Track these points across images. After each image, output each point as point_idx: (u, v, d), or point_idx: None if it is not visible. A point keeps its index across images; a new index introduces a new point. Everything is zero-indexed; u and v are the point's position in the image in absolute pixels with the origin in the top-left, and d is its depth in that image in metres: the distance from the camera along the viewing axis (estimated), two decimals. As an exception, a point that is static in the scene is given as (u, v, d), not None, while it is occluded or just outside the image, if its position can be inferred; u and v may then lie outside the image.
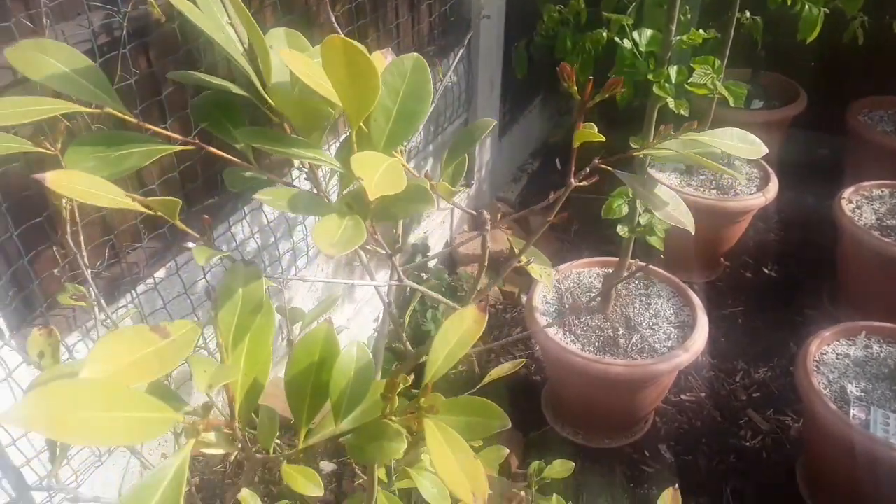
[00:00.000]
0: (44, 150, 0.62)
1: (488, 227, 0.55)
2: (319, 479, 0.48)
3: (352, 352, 0.47)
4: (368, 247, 0.56)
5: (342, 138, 0.49)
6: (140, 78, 1.36)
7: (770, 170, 2.49)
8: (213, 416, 0.38)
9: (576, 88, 0.50)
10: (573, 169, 0.57)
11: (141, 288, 1.53)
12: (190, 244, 0.48)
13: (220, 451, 0.41)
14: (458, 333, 0.44)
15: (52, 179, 0.38)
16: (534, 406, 2.15)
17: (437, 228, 2.65)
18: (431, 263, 2.52)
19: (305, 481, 0.48)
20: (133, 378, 0.34)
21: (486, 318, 0.45)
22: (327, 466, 1.72)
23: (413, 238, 2.55)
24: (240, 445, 0.43)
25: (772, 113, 2.84)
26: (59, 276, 1.34)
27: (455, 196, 0.50)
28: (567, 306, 1.98)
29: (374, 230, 0.49)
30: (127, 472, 1.62)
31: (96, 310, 0.78)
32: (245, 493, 1.17)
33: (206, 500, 1.66)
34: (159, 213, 0.44)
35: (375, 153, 0.43)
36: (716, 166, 0.60)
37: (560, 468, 1.24)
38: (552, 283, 0.68)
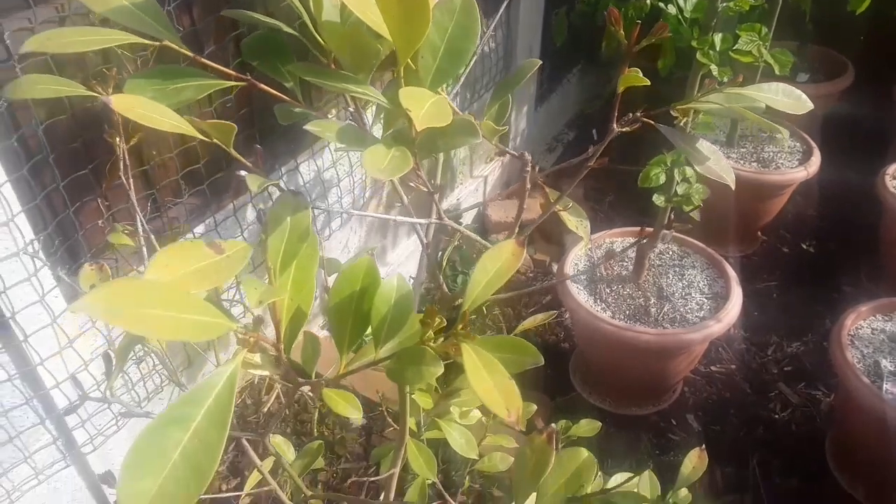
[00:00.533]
0: (96, 94, 0.64)
1: (528, 167, 0.55)
2: (359, 403, 0.50)
3: (392, 282, 0.48)
4: (412, 183, 0.57)
5: (387, 83, 0.50)
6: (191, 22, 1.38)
7: (813, 143, 2.44)
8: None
9: (623, 33, 0.50)
10: (616, 115, 0.57)
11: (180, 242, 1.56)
12: (242, 172, 0.50)
13: (265, 373, 0.43)
14: (496, 265, 0.45)
15: (117, 102, 0.39)
16: (562, 373, 2.16)
17: (469, 196, 2.65)
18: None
19: (346, 404, 0.50)
20: (192, 285, 0.36)
21: (524, 252, 0.46)
22: (357, 421, 1.75)
23: (445, 205, 2.56)
24: (283, 370, 0.45)
25: (817, 87, 2.78)
26: (103, 227, 1.37)
27: (497, 135, 0.51)
28: (599, 274, 1.98)
29: (417, 166, 0.50)
30: (165, 419, 1.67)
31: (145, 251, 0.81)
32: (278, 440, 1.21)
33: (239, 455, 1.71)
34: (215, 140, 0.45)
35: (422, 89, 0.43)
36: (760, 120, 0.60)
37: (587, 427, 1.25)
38: (587, 233, 0.68)
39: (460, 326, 0.43)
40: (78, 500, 1.54)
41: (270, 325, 0.45)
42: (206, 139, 0.46)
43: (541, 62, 0.64)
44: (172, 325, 0.33)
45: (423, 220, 0.59)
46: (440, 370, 0.43)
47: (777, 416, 2.05)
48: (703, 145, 0.62)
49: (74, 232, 1.32)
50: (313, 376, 0.49)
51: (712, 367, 2.18)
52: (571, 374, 2.15)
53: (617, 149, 0.74)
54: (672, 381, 2.03)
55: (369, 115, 0.58)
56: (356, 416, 0.51)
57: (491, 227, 2.61)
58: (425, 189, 0.55)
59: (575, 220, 0.67)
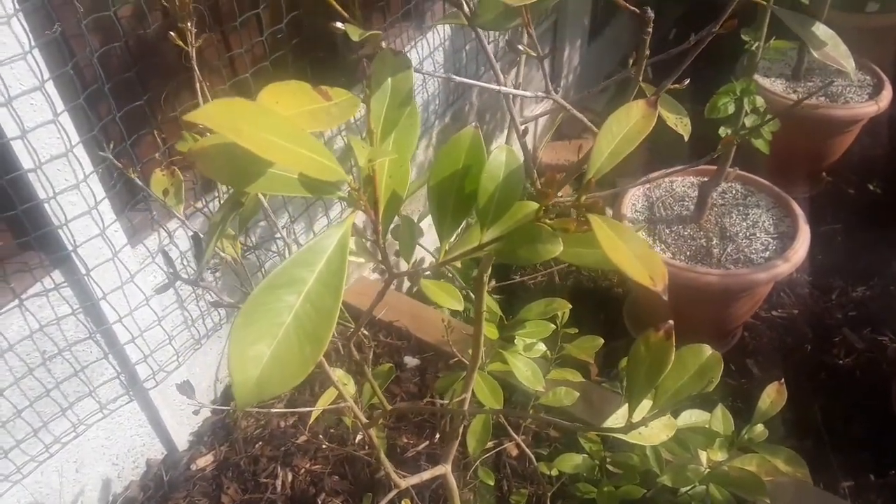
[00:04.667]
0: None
1: (650, 26, 0.49)
2: (459, 294, 0.47)
3: (500, 156, 0.44)
4: (520, 46, 0.53)
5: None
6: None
7: (884, 77, 2.31)
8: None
9: None
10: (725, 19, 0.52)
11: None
12: (339, 24, 0.46)
13: (360, 260, 0.40)
14: (623, 128, 0.41)
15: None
16: (615, 318, 2.12)
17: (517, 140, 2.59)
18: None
19: (445, 295, 0.47)
20: (305, 123, 0.33)
21: (657, 114, 0.42)
22: (411, 361, 1.74)
23: (494, 146, 2.50)
24: (380, 256, 0.41)
25: (889, 17, 2.61)
26: (160, 160, 1.36)
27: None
28: (658, 215, 1.91)
29: (528, 21, 0.45)
30: (223, 357, 1.68)
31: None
32: (339, 373, 1.20)
33: (296, 392, 1.72)
34: None
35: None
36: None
37: (655, 364, 1.21)
38: (688, 130, 0.63)
39: (583, 198, 0.39)
40: (140, 434, 1.57)
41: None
42: None
43: None
44: (294, 157, 0.30)
45: (527, 94, 0.55)
46: (559, 248, 0.39)
47: (841, 363, 1.98)
48: (820, 29, 0.56)
49: (132, 165, 1.31)
50: (410, 265, 0.45)
51: (773, 312, 2.11)
52: (625, 319, 2.11)
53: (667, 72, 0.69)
54: (732, 326, 1.97)
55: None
56: (458, 307, 0.48)
57: (542, 171, 2.54)
58: (534, 54, 0.51)
59: (674, 118, 0.62)
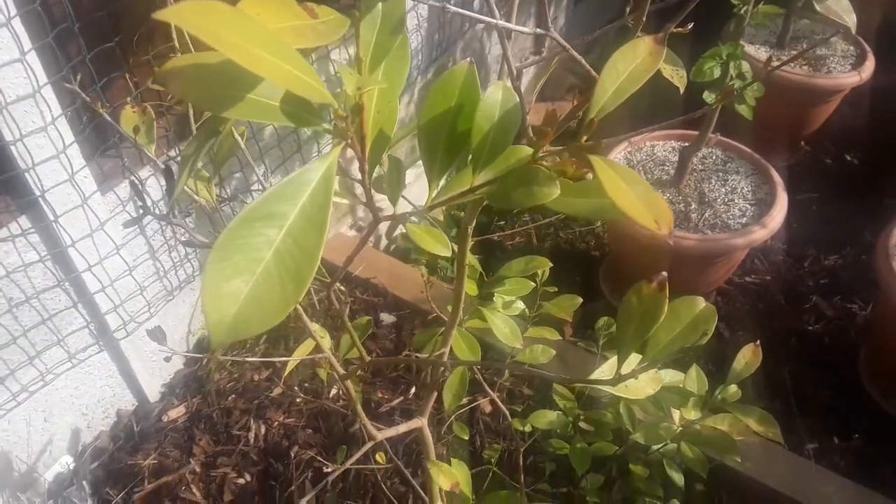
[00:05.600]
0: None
1: None
2: (447, 239, 0.46)
3: (496, 94, 0.42)
4: None
5: None
6: None
7: (867, 48, 2.30)
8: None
9: None
10: None
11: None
12: None
13: (344, 201, 0.38)
14: (629, 66, 0.39)
15: None
16: (590, 280, 2.12)
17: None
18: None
19: (432, 240, 0.45)
20: (290, 39, 0.30)
21: (664, 52, 0.40)
22: (387, 318, 1.74)
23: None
24: (365, 197, 0.40)
25: (875, -14, 2.60)
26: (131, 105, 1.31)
27: None
28: (638, 177, 1.91)
29: None
30: (195, 309, 1.66)
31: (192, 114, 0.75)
32: (316, 327, 1.18)
33: (270, 346, 1.70)
34: None
35: None
36: None
37: (632, 325, 1.21)
38: (683, 83, 0.62)
39: (584, 138, 0.37)
40: (110, 385, 1.55)
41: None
42: None
43: None
44: (279, 71, 0.28)
45: (525, 29, 0.53)
46: (556, 191, 0.38)
47: (811, 329, 2.02)
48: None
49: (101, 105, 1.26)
50: (396, 207, 0.44)
51: (747, 278, 2.13)
52: (601, 282, 2.11)
53: (661, 23, 0.67)
54: (705, 290, 1.99)
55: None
56: (445, 252, 0.46)
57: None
58: None
59: (670, 69, 0.60)
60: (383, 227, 2.04)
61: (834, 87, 2.21)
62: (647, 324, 0.41)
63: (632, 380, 0.43)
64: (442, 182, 0.41)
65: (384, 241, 2.08)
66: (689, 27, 0.60)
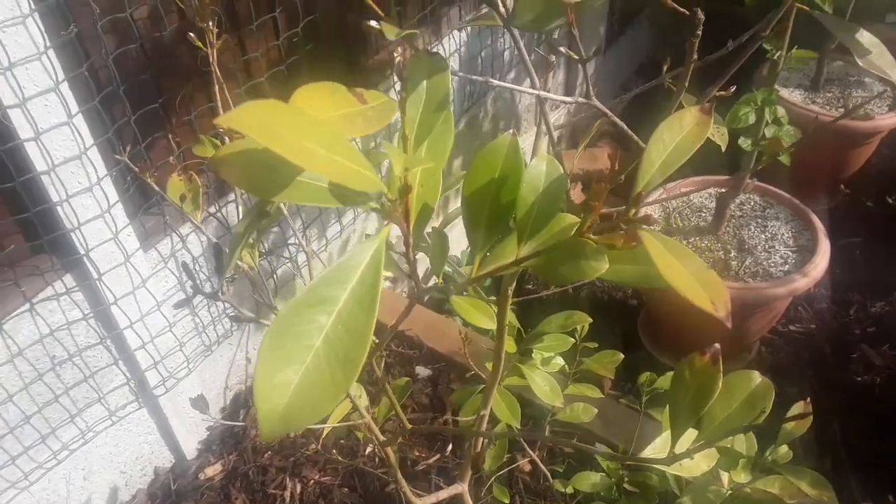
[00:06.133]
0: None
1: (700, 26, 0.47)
2: (491, 311, 0.45)
3: (540, 166, 0.42)
4: (562, 48, 0.51)
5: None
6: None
7: (905, 89, 2.27)
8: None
9: None
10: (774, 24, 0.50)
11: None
12: (373, 22, 0.44)
13: (388, 274, 0.38)
14: (675, 137, 0.39)
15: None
16: (629, 330, 2.09)
17: (529, 149, 2.56)
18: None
19: (477, 312, 0.44)
20: (343, 128, 0.30)
21: (711, 121, 0.39)
22: (423, 372, 1.72)
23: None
24: (410, 270, 0.39)
25: (910, 28, 2.58)
26: (174, 164, 1.35)
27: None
28: (674, 226, 1.89)
29: (573, 19, 0.43)
30: (233, 364, 1.66)
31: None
32: (353, 386, 1.17)
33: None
34: None
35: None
36: None
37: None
38: (725, 141, 0.62)
39: (632, 212, 0.36)
40: (148, 442, 1.55)
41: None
42: None
43: None
44: (331, 165, 0.28)
45: (568, 99, 0.53)
46: (605, 265, 0.37)
47: (859, 379, 1.95)
48: (864, 36, 0.53)
49: (146, 169, 1.30)
50: (440, 280, 0.43)
51: (791, 327, 2.08)
52: (640, 332, 2.07)
53: (698, 81, 0.66)
54: (749, 340, 1.94)
55: None
56: (490, 325, 0.45)
57: (556, 180, 2.52)
58: (576, 56, 0.49)
59: (712, 128, 0.59)
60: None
61: (872, 129, 2.18)
62: (702, 399, 0.39)
63: (686, 459, 0.41)
64: (486, 252, 0.41)
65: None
66: (732, 90, 0.60)
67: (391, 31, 0.42)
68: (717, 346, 0.40)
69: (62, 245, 1.20)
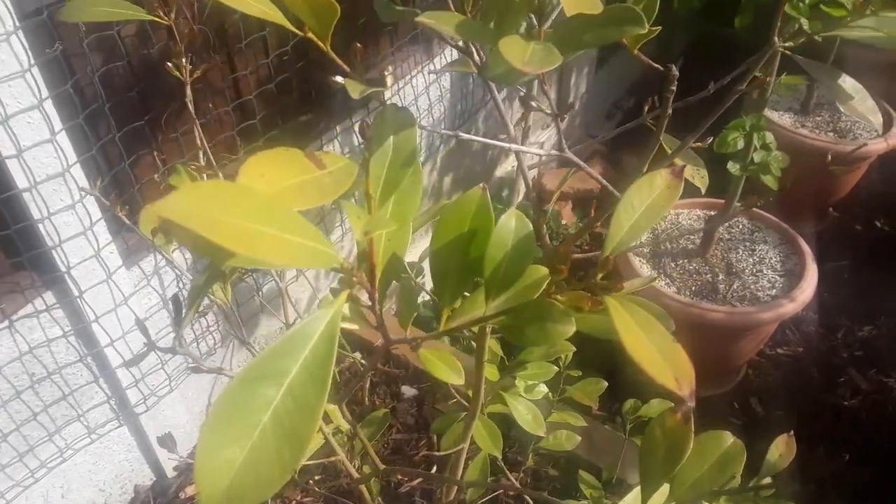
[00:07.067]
0: (158, 19, 0.58)
1: (674, 84, 0.47)
2: (460, 366, 0.44)
3: (510, 223, 0.41)
4: (534, 103, 0.51)
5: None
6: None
7: (895, 114, 2.28)
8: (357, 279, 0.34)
9: None
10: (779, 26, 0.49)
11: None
12: (339, 78, 0.43)
13: (354, 327, 0.37)
14: (645, 200, 0.38)
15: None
16: (619, 348, 2.08)
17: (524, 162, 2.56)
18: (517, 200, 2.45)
19: (445, 367, 0.43)
20: (294, 201, 0.30)
21: (682, 185, 0.39)
22: (409, 391, 1.71)
23: (499, 172, 2.48)
24: (376, 323, 0.39)
25: (900, 53, 2.60)
26: (159, 182, 1.34)
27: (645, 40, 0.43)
28: (663, 247, 1.89)
29: (543, 78, 0.42)
30: (217, 381, 1.65)
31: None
32: (331, 407, 1.16)
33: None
34: (309, 35, 0.38)
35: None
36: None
37: (658, 407, 1.18)
38: (705, 184, 0.61)
39: (600, 276, 0.36)
40: (129, 460, 1.54)
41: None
42: (297, 32, 0.39)
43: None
44: (278, 247, 0.27)
45: (540, 151, 0.52)
46: (572, 329, 0.36)
47: (846, 404, 1.94)
48: (847, 81, 0.53)
49: (130, 186, 1.29)
50: (408, 331, 0.42)
51: (778, 350, 2.08)
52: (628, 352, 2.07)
53: (682, 117, 0.66)
54: (736, 363, 1.94)
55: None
56: (458, 381, 0.45)
57: (546, 197, 2.52)
58: (548, 111, 0.48)
59: (691, 169, 0.59)
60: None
61: (860, 154, 2.19)
62: (673, 459, 0.38)
63: (658, 518, 0.40)
64: (455, 306, 0.40)
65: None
66: (709, 141, 0.60)
67: (355, 90, 0.41)
68: (691, 405, 0.40)
69: (43, 262, 1.19)
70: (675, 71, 0.49)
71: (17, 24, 0.98)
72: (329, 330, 0.30)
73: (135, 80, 1.22)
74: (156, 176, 1.32)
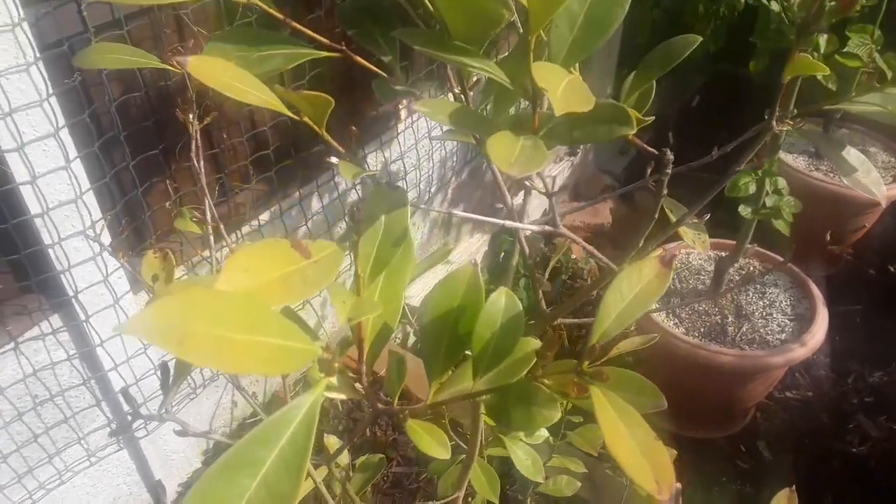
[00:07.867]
0: (170, 66, 0.59)
1: (669, 168, 0.47)
2: (447, 438, 0.44)
3: (500, 301, 0.41)
4: (527, 182, 0.51)
5: (499, 57, 0.43)
6: None
7: (908, 159, 2.28)
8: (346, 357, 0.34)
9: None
10: (777, 110, 0.49)
11: (245, 229, 1.53)
12: (333, 159, 0.44)
13: (342, 397, 0.37)
14: (634, 289, 0.38)
15: (194, 64, 0.33)
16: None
17: (535, 196, 2.57)
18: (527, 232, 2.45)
19: (431, 440, 0.43)
20: (276, 298, 0.29)
21: (671, 274, 0.38)
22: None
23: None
24: (365, 394, 0.38)
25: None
26: (171, 209, 1.35)
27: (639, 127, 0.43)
28: (672, 288, 1.87)
29: None
30: (219, 407, 1.65)
31: (211, 239, 0.76)
32: (332, 440, 1.15)
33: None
34: (304, 118, 0.39)
35: (554, 65, 0.36)
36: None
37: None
38: (706, 247, 0.61)
39: (586, 364, 0.35)
40: (127, 483, 1.53)
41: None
42: (294, 117, 0.40)
43: (700, 39, 0.56)
44: (248, 355, 0.27)
45: (533, 227, 0.52)
46: (557, 415, 0.36)
47: (855, 451, 1.91)
48: (851, 154, 0.53)
49: (142, 213, 1.30)
50: (396, 401, 0.42)
51: (788, 394, 2.05)
52: (634, 390, 2.05)
53: (696, 153, 0.67)
54: (745, 406, 1.91)
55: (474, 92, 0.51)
56: (444, 455, 0.44)
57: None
58: (543, 191, 0.48)
59: (692, 234, 0.59)
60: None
61: (873, 199, 2.18)
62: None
63: None
64: (443, 379, 0.40)
65: (412, 338, 2.07)
66: (706, 218, 0.59)
67: (349, 172, 0.42)
68: (678, 485, 0.39)
69: (51, 286, 1.20)
70: (671, 156, 0.49)
71: (38, 54, 1.00)
72: (308, 417, 0.30)
73: (151, 111, 1.24)
74: (167, 204, 1.33)
